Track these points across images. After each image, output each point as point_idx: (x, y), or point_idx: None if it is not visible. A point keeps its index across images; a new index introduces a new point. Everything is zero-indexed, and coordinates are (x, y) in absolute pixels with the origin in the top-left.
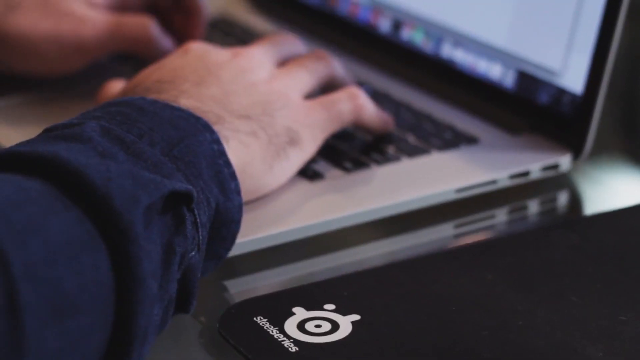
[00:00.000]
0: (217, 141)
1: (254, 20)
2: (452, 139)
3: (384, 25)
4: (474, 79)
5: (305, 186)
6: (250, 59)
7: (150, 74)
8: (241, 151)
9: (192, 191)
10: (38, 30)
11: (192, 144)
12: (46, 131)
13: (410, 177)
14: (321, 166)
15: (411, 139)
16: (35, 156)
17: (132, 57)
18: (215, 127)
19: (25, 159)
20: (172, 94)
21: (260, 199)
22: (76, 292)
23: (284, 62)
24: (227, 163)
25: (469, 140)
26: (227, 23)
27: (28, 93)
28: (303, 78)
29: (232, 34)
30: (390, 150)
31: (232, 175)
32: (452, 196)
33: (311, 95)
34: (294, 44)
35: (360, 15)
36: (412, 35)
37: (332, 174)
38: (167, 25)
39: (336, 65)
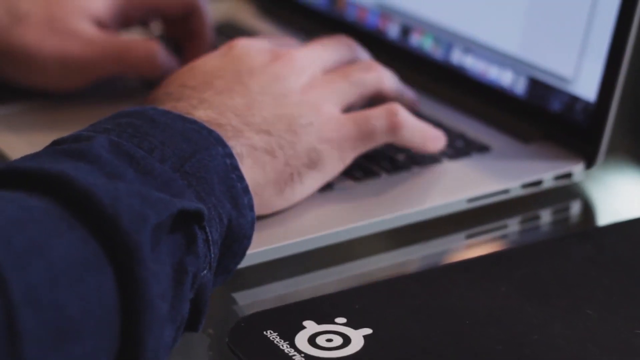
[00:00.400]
0: (230, 155)
1: (260, 25)
2: (463, 148)
3: (393, 30)
4: (484, 86)
5: (314, 196)
6: (289, 64)
7: (181, 75)
8: (255, 172)
9: (202, 210)
10: (43, 47)
11: (204, 159)
12: (54, 144)
13: (421, 187)
14: None
15: None
16: (41, 174)
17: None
18: (231, 142)
19: (31, 176)
20: (190, 102)
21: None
22: (80, 317)
23: (332, 69)
24: (240, 177)
25: (481, 148)
26: (232, 28)
27: (32, 101)
28: (344, 89)
29: None
30: (401, 158)
31: (245, 190)
32: (464, 206)
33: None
34: (350, 48)
35: (369, 21)
36: (421, 41)
37: (342, 183)
38: (175, 35)
39: (387, 78)
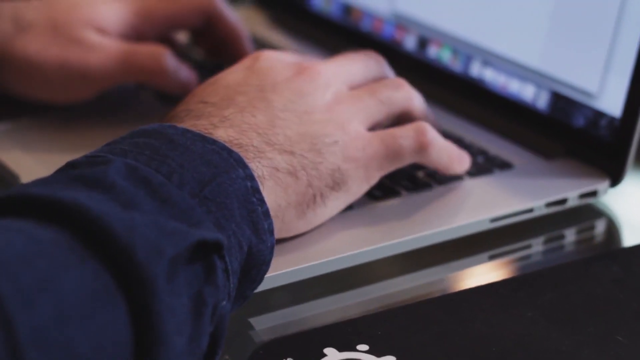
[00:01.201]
0: (251, 177)
1: (272, 35)
2: (485, 164)
3: (409, 41)
4: (505, 100)
5: (333, 216)
6: (314, 79)
7: (202, 90)
8: (276, 194)
9: (222, 239)
10: (45, 56)
11: (224, 182)
12: (68, 167)
13: (443, 206)
14: None
15: None
16: (53, 201)
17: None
18: (252, 163)
19: (42, 203)
20: (211, 121)
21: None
22: (90, 355)
23: (359, 85)
24: (261, 201)
25: (502, 165)
26: None
27: (39, 114)
28: (371, 107)
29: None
30: (421, 175)
31: (266, 214)
32: (487, 226)
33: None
34: (378, 64)
35: (384, 31)
36: (439, 53)
37: (362, 202)
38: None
39: (415, 97)
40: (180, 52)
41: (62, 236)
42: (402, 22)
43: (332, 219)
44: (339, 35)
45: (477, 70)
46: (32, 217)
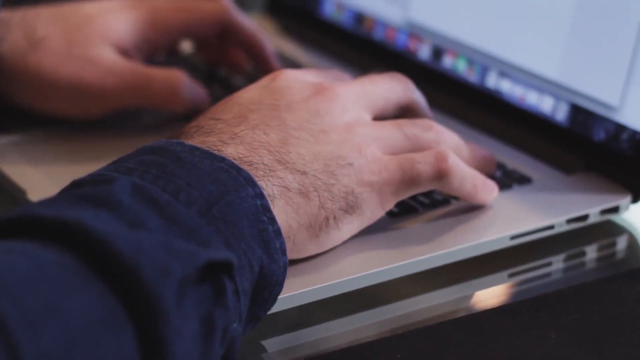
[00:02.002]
0: (261, 195)
1: (283, 44)
2: (503, 179)
3: (423, 51)
4: (522, 112)
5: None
6: (332, 100)
7: (215, 107)
8: (287, 214)
9: (231, 259)
10: (58, 73)
11: (233, 201)
12: (73, 186)
13: (461, 223)
14: None
15: None
16: (58, 221)
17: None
18: (262, 182)
19: (47, 224)
20: (221, 138)
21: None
22: None
23: (382, 110)
24: (272, 219)
25: (521, 180)
26: None
27: (48, 128)
28: (394, 138)
29: None
30: (438, 191)
31: (277, 233)
32: (507, 243)
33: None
34: (404, 87)
35: (397, 40)
36: (454, 63)
37: (378, 219)
38: (215, 59)
39: (448, 142)
40: (184, 61)
41: (67, 258)
42: (416, 31)
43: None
44: (350, 44)
45: (493, 81)
46: (36, 237)
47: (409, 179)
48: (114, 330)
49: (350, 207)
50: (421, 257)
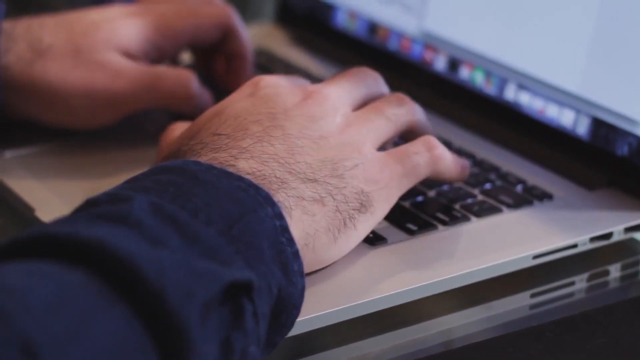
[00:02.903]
0: (280, 216)
1: (293, 54)
2: (524, 195)
3: (439, 62)
4: (542, 126)
5: (366, 252)
6: (323, 103)
7: (209, 120)
8: (305, 223)
9: (252, 280)
10: (67, 81)
11: (252, 221)
12: (89, 204)
13: (482, 242)
14: (383, 228)
15: (479, 195)
16: (78, 241)
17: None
18: (278, 195)
19: (67, 244)
20: (230, 153)
21: (317, 269)
22: None
23: (360, 105)
24: (291, 241)
25: (542, 196)
26: (265, 56)
27: (57, 140)
28: (380, 127)
29: (270, 69)
30: (457, 207)
31: (296, 255)
32: (529, 263)
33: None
34: (375, 81)
35: (413, 51)
36: (471, 75)
37: (395, 236)
38: (208, 69)
39: (418, 112)
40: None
41: (89, 279)
42: (431, 42)
43: (366, 255)
44: (364, 55)
45: (512, 94)
46: (56, 258)
47: (409, 171)
48: (138, 354)
49: (364, 206)
50: (442, 278)
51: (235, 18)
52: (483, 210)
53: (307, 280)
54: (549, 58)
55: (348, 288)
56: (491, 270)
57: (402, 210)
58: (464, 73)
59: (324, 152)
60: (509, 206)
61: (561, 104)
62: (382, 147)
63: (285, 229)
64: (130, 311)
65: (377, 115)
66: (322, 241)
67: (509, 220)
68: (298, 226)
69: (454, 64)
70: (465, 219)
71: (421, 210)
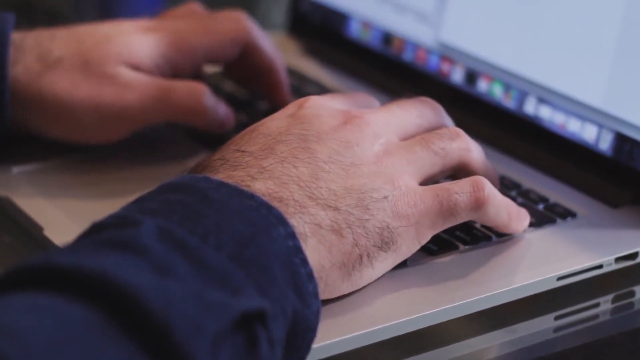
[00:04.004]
0: (292, 235)
1: (307, 66)
2: (546, 213)
3: (457, 74)
4: (563, 141)
5: (386, 274)
6: (362, 129)
7: (240, 138)
8: (319, 253)
9: (265, 308)
10: (75, 95)
11: (264, 243)
12: (95, 228)
13: (505, 262)
14: None
15: None
16: (82, 274)
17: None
18: (293, 220)
19: (69, 275)
20: (249, 172)
21: None
22: None
23: (412, 136)
24: (304, 261)
25: (565, 214)
26: None
27: (66, 155)
28: (423, 159)
29: None
30: (478, 225)
31: (310, 276)
32: (553, 285)
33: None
34: (433, 112)
35: (429, 63)
36: (489, 88)
37: (416, 257)
38: (237, 77)
39: (473, 149)
40: (210, 84)
41: (94, 314)
42: (448, 53)
43: (386, 276)
44: (378, 66)
45: (532, 107)
46: (59, 290)
47: (447, 210)
48: None
49: (385, 244)
50: (464, 302)
51: (254, 33)
52: None
53: (326, 303)
54: (571, 71)
55: (369, 311)
56: (515, 293)
57: None
58: (482, 86)
59: (352, 180)
60: (531, 225)
61: (583, 118)
62: (427, 183)
63: (298, 249)
64: (136, 348)
65: (423, 147)
66: (335, 275)
67: (531, 240)
68: (313, 256)
69: (471, 76)
70: (487, 238)
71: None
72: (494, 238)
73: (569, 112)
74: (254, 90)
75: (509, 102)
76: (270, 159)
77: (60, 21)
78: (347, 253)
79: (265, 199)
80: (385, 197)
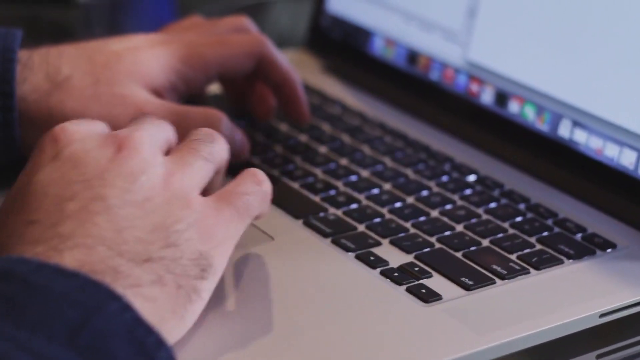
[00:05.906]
0: (127, 307)
1: (326, 85)
2: (585, 244)
3: (486, 96)
4: (600, 166)
5: (419, 310)
6: (139, 151)
7: (14, 201)
8: (147, 310)
9: None
10: (86, 115)
11: (98, 324)
12: None
13: (543, 298)
14: (437, 282)
15: (536, 244)
16: None
17: None
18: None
19: None
20: (50, 244)
21: (360, 327)
22: None
23: (167, 146)
24: (148, 330)
25: (605, 245)
26: None
27: None
28: (201, 170)
29: None
30: (514, 258)
31: (159, 343)
32: (596, 322)
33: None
34: (158, 121)
35: (457, 83)
36: (521, 110)
37: (450, 292)
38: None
39: (225, 144)
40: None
41: None
42: (477, 73)
43: (420, 314)
44: (402, 86)
45: (567, 131)
46: None
47: (244, 213)
48: None
49: (204, 271)
50: (502, 342)
51: (268, 46)
52: (542, 262)
53: (359, 341)
54: (608, 92)
55: (403, 351)
56: (555, 332)
57: (455, 261)
58: (514, 107)
59: (152, 218)
60: (569, 257)
61: (621, 143)
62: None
63: (138, 320)
64: None
65: (194, 156)
66: (170, 325)
67: (570, 273)
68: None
69: (502, 98)
70: (524, 271)
71: (475, 261)
72: (532, 271)
73: (606, 136)
74: (252, 114)
75: (542, 125)
76: (66, 223)
77: (69, 34)
78: (174, 298)
79: (87, 274)
80: (189, 225)
